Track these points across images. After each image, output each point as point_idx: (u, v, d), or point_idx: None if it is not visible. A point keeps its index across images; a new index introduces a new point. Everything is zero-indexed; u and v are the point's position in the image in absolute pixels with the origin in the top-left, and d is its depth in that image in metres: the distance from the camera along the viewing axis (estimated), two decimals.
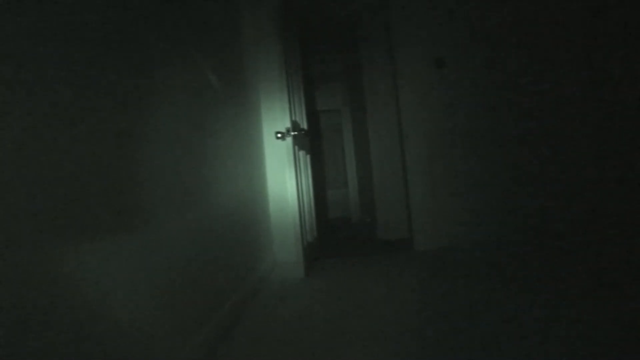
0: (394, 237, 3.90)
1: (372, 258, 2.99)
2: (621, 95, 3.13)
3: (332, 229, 5.32)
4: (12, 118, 0.69)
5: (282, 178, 3.20)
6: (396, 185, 3.92)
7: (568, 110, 3.16)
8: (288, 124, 2.58)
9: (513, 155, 3.16)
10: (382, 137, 3.93)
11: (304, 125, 3.18)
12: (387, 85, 3.91)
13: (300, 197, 2.71)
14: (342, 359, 1.32)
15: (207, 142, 1.73)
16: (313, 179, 6.56)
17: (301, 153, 2.93)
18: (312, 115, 6.48)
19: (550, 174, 3.15)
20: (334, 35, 4.84)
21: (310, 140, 3.44)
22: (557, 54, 3.17)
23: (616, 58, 3.13)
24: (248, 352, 1.46)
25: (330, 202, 7.03)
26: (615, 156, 3.13)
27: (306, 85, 5.89)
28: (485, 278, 2.09)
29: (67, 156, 0.81)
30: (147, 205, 1.13)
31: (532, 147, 3.16)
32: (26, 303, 0.68)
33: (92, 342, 0.83)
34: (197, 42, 1.73)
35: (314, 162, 6.69)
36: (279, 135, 2.53)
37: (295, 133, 2.66)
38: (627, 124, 3.13)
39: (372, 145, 4.03)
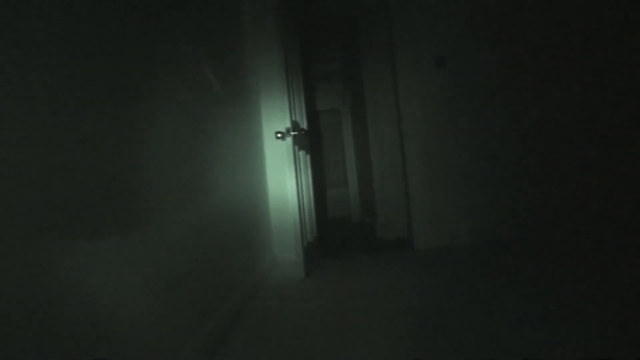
0: (394, 237, 3.90)
1: (372, 258, 2.99)
2: (622, 94, 3.13)
3: (332, 229, 5.32)
4: (13, 119, 0.69)
5: (282, 178, 3.20)
6: (396, 185, 3.92)
7: (569, 109, 3.16)
8: (288, 124, 2.58)
9: (513, 155, 3.16)
10: (382, 137, 3.93)
11: (304, 125, 3.18)
12: (387, 85, 3.91)
13: (300, 197, 2.71)
14: (342, 359, 1.32)
15: (207, 141, 1.73)
16: (313, 179, 6.56)
17: (301, 153, 2.93)
18: (312, 115, 6.48)
19: (550, 173, 3.15)
20: (334, 35, 4.84)
21: (310, 140, 3.44)
22: (557, 52, 3.16)
23: (617, 56, 3.13)
24: (248, 352, 1.46)
25: (330, 202, 7.03)
26: (616, 156, 3.13)
27: (306, 85, 5.89)
28: (485, 278, 2.09)
29: (67, 157, 0.81)
30: (147, 206, 1.13)
31: (532, 147, 3.16)
32: (26, 303, 0.68)
33: (91, 341, 0.83)
34: (197, 42, 1.73)
35: (314, 162, 6.69)
36: (279, 135, 2.53)
37: (295, 133, 2.66)
38: (629, 123, 3.12)
39: (372, 145, 4.03)
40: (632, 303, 1.53)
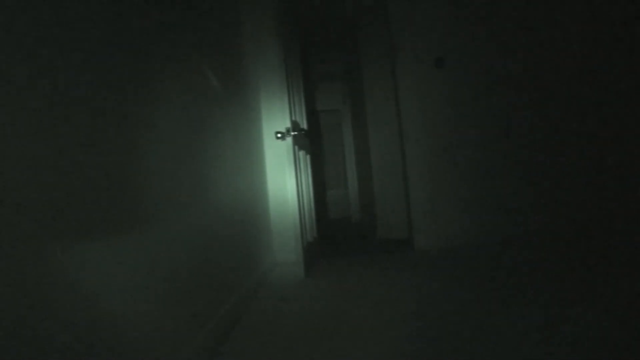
0: (394, 237, 3.90)
1: (372, 258, 2.99)
2: (623, 93, 3.13)
3: (332, 229, 5.32)
4: (14, 119, 0.69)
5: (282, 178, 3.20)
6: (396, 185, 3.92)
7: (570, 109, 3.16)
8: (288, 124, 2.58)
9: (513, 155, 3.16)
10: (382, 137, 3.93)
11: (304, 125, 3.18)
12: (387, 85, 3.91)
13: (300, 197, 2.71)
14: (342, 359, 1.32)
15: (207, 142, 1.73)
16: (313, 179, 6.56)
17: (301, 153, 2.93)
18: (312, 115, 6.48)
19: (551, 173, 3.15)
20: (334, 35, 4.84)
21: (310, 140, 3.44)
22: (558, 52, 3.16)
23: (618, 55, 3.13)
24: (248, 352, 1.46)
25: (330, 202, 7.03)
26: (617, 155, 3.13)
27: (306, 85, 5.89)
28: (485, 278, 2.09)
29: (68, 156, 0.81)
30: (147, 206, 1.13)
31: (532, 147, 3.16)
32: (26, 303, 0.68)
33: (91, 342, 0.83)
34: (197, 43, 1.73)
35: (314, 162, 6.69)
36: (279, 135, 2.53)
37: (295, 133, 2.66)
38: (629, 123, 3.12)
39: (372, 145, 4.03)
40: (633, 304, 1.53)
